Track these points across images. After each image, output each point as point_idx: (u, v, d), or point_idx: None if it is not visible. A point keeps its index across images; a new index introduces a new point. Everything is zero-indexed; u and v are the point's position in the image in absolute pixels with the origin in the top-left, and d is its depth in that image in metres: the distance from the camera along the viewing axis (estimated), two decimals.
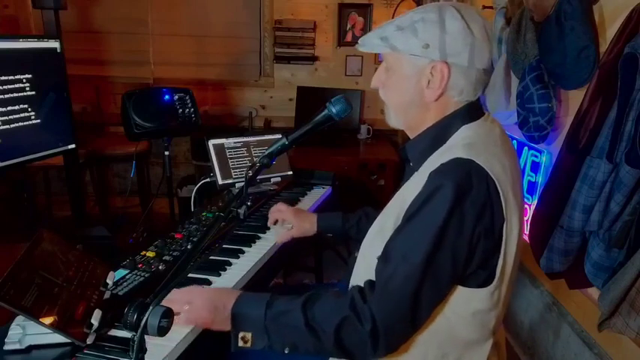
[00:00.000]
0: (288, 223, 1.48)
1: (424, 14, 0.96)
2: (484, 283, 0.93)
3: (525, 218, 2.01)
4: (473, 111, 1.01)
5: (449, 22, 0.94)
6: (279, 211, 1.50)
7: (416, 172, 0.99)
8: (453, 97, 0.99)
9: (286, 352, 0.94)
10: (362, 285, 0.96)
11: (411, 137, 1.08)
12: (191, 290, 1.04)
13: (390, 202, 1.05)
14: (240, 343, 0.95)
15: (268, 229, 1.58)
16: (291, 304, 0.96)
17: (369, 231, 1.07)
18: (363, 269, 1.02)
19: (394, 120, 1.07)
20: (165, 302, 1.03)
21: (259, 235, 1.57)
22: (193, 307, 1.00)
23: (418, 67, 0.97)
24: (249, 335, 0.95)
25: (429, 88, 0.98)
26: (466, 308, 0.94)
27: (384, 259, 0.93)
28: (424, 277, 0.88)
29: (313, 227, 1.47)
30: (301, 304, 0.94)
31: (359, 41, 1.04)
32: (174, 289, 1.08)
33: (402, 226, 0.93)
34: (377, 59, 3.69)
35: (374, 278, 0.94)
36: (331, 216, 1.48)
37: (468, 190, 0.87)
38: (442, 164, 0.91)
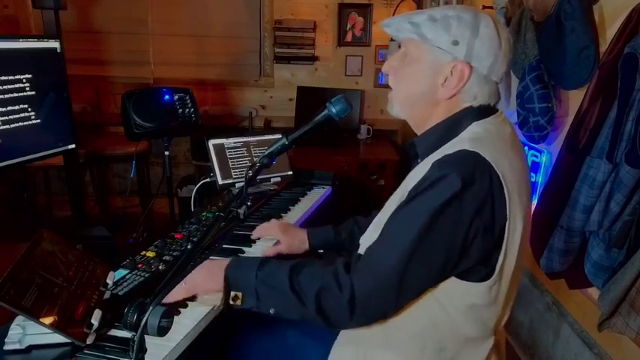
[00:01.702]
0: (275, 239, 1.45)
1: (460, 13, 0.95)
2: (482, 279, 0.93)
3: None
4: (485, 109, 1.01)
5: (482, 28, 0.94)
6: (264, 228, 1.47)
7: (420, 163, 0.99)
8: (464, 102, 0.99)
9: (272, 312, 0.97)
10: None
11: (417, 132, 1.07)
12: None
13: (393, 195, 1.05)
14: (231, 302, 1.00)
15: None
16: (279, 267, 0.99)
17: (368, 227, 1.07)
18: None
19: (397, 110, 1.06)
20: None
21: None
22: (190, 278, 1.06)
23: (439, 62, 0.97)
24: (239, 294, 1.00)
25: (443, 87, 0.98)
26: (463, 301, 0.94)
27: (378, 236, 0.95)
28: (410, 258, 0.88)
29: (304, 244, 1.43)
30: (289, 268, 0.97)
31: (385, 21, 1.02)
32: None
33: (400, 207, 0.94)
34: (377, 59, 3.70)
35: None
36: (322, 231, 1.44)
37: (471, 183, 0.87)
38: (447, 155, 0.91)
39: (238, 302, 0.99)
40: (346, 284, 0.91)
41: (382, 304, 0.92)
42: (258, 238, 1.52)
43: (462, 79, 0.96)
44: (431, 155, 0.97)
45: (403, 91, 1.04)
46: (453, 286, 0.94)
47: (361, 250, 1.07)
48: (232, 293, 1.00)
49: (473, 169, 0.88)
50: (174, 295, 1.06)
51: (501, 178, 0.88)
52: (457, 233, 0.88)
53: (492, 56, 0.95)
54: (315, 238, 1.43)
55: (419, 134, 1.07)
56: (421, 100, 1.02)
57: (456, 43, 0.94)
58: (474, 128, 0.98)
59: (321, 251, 1.46)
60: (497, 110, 1.03)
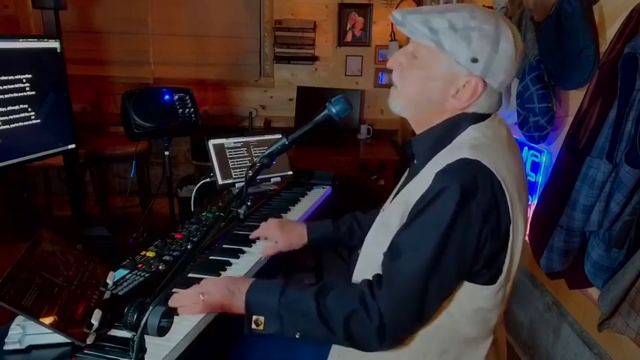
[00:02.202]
0: (273, 238, 1.43)
1: (482, 24, 0.91)
2: (489, 282, 0.93)
3: None
4: (483, 114, 1.00)
5: (503, 43, 0.91)
6: (264, 228, 1.45)
7: (421, 171, 0.98)
8: (469, 112, 0.98)
9: (297, 336, 0.97)
10: (370, 279, 0.97)
11: (416, 131, 1.07)
12: (204, 282, 1.08)
13: (394, 198, 1.05)
14: (253, 326, 0.98)
15: None
16: (304, 292, 0.98)
17: (371, 228, 1.07)
18: (365, 265, 1.03)
19: (400, 108, 1.03)
20: (179, 295, 1.05)
21: None
22: (208, 294, 1.03)
23: (453, 75, 0.94)
24: (262, 319, 0.98)
25: (454, 98, 0.96)
26: (470, 305, 0.95)
27: (390, 255, 0.94)
28: (430, 276, 0.88)
29: (302, 239, 1.42)
30: (314, 293, 0.96)
31: (398, 18, 0.95)
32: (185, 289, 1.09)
33: (408, 224, 0.93)
34: (377, 59, 3.70)
35: (378, 272, 0.95)
36: (321, 225, 1.43)
37: (474, 192, 0.87)
38: (448, 164, 0.91)
39: (261, 327, 0.98)
40: (374, 310, 0.90)
41: (409, 325, 0.94)
42: (258, 238, 1.52)
43: (474, 94, 0.94)
44: (431, 162, 0.96)
45: (410, 92, 1.01)
46: (461, 291, 0.94)
47: (364, 248, 1.07)
48: (254, 317, 0.98)
49: (474, 177, 0.88)
50: (191, 309, 1.04)
51: (502, 184, 0.89)
52: (469, 243, 0.88)
53: (506, 72, 0.94)
54: (313, 233, 1.42)
55: (417, 132, 1.06)
56: (427, 105, 1.00)
57: (475, 60, 0.91)
58: (472, 133, 0.97)
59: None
60: (492, 113, 1.02)
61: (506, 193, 0.89)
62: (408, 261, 0.90)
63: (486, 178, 0.88)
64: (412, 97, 1.01)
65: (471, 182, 0.87)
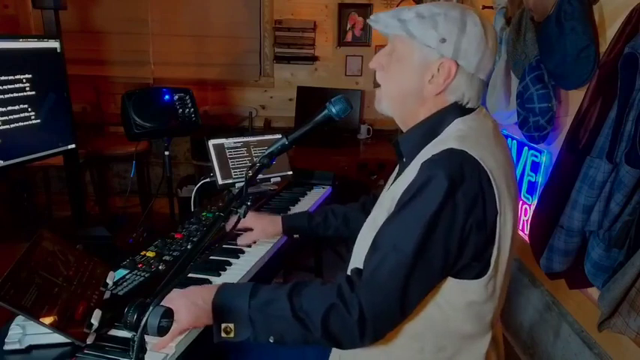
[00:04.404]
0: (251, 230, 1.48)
1: (447, 10, 0.95)
2: (478, 275, 0.92)
3: (525, 218, 2.01)
4: (466, 106, 1.01)
5: (470, 25, 0.95)
6: (241, 222, 1.46)
7: (408, 166, 0.98)
8: (451, 100, 0.99)
9: (271, 341, 0.92)
10: (350, 273, 0.96)
11: (403, 129, 1.07)
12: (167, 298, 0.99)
13: (383, 195, 1.05)
14: (223, 335, 0.94)
15: None
16: (276, 293, 0.94)
17: (363, 225, 1.07)
18: (355, 263, 1.02)
19: (386, 107, 1.06)
20: None
21: None
22: (176, 315, 0.96)
23: (426, 60, 0.97)
24: (231, 326, 0.93)
25: (430, 83, 0.98)
26: (460, 300, 0.94)
27: (373, 247, 0.93)
28: (413, 268, 0.87)
29: (276, 228, 1.47)
30: (287, 292, 0.92)
31: (372, 17, 1.02)
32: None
33: (393, 216, 0.92)
34: None
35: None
36: (297, 216, 1.50)
37: (460, 182, 0.87)
38: (434, 155, 0.91)
39: (231, 335, 0.93)
40: (354, 303, 0.88)
41: (390, 318, 0.91)
42: (254, 242, 1.52)
43: (448, 76, 0.96)
44: (418, 156, 0.97)
45: (392, 88, 1.04)
46: (449, 285, 0.93)
47: (356, 246, 1.07)
48: (223, 325, 0.93)
49: (461, 167, 0.88)
50: (162, 341, 0.96)
51: (489, 174, 0.89)
52: (453, 235, 0.88)
53: (479, 54, 0.95)
54: (288, 222, 1.48)
55: (404, 131, 1.07)
56: (409, 97, 1.01)
57: (443, 40, 0.94)
58: (458, 125, 0.98)
59: (296, 236, 1.49)
60: (478, 107, 1.03)
61: (494, 183, 0.89)
62: (391, 253, 0.89)
63: (473, 167, 0.88)
64: (395, 92, 1.03)
65: (458, 171, 0.87)
